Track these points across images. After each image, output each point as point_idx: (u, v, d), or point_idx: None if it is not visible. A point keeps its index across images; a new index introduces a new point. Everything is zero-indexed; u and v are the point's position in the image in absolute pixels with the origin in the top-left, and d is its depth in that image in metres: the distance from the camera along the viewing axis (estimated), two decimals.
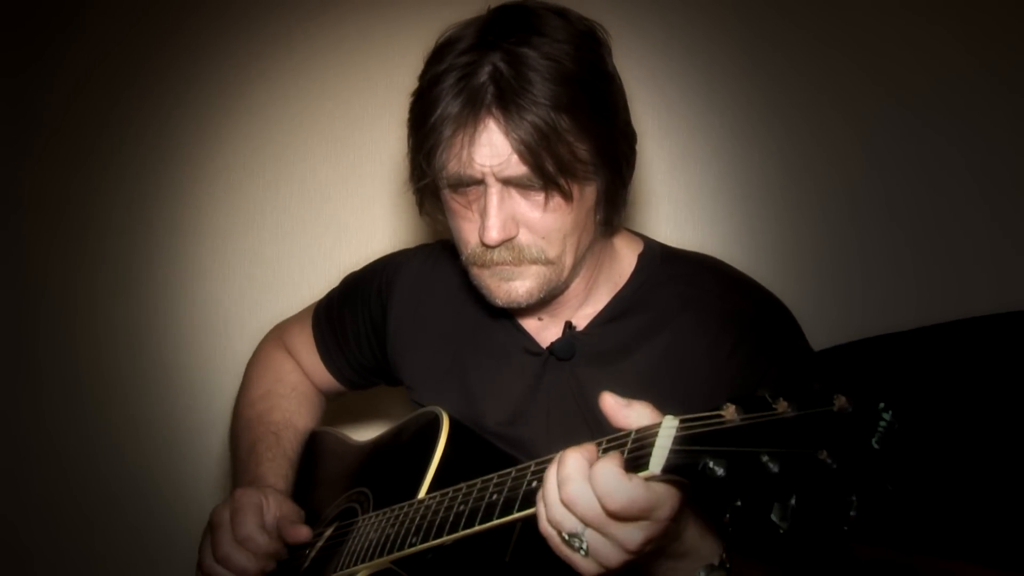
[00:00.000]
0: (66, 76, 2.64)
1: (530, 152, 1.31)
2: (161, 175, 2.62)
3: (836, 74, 2.27)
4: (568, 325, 1.54)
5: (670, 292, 1.51)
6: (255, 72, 2.56)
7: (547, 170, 1.32)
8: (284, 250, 2.56)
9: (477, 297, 1.60)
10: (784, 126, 2.30)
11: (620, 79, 1.45)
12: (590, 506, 1.00)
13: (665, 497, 1.00)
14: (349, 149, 2.50)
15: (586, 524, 1.01)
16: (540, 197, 1.37)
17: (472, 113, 1.33)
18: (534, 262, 1.42)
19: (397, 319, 1.73)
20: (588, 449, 1.04)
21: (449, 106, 1.34)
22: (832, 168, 2.29)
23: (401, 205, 2.42)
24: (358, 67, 2.48)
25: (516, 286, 1.44)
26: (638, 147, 1.49)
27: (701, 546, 1.12)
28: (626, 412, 1.06)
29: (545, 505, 1.04)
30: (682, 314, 1.48)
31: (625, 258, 1.56)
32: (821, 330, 2.02)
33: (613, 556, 1.03)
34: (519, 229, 1.40)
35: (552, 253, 1.41)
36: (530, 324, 1.59)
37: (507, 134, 1.32)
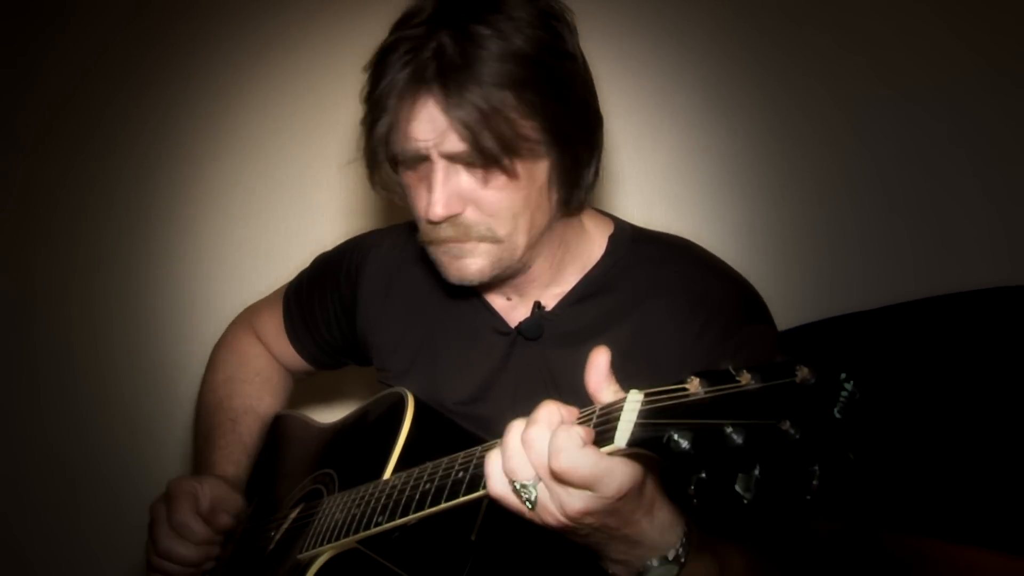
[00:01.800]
0: (23, 56, 2.61)
1: (467, 129, 1.31)
2: (126, 158, 2.59)
3: (807, 52, 2.28)
4: (537, 305, 1.54)
5: (640, 274, 1.51)
6: (220, 54, 2.54)
7: (486, 148, 1.31)
8: (251, 232, 2.54)
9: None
10: (753, 105, 2.31)
11: (584, 59, 1.44)
12: (541, 454, 1.01)
13: (615, 477, 1.01)
14: (317, 130, 2.48)
15: (535, 468, 1.03)
16: (484, 174, 1.37)
17: (413, 87, 1.33)
18: (482, 240, 1.41)
19: (367, 300, 1.73)
20: (569, 409, 1.05)
21: (394, 79, 1.34)
22: (801, 149, 2.30)
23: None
24: (325, 47, 2.46)
25: (467, 263, 1.43)
26: (607, 126, 1.48)
27: (658, 538, 1.11)
28: (607, 383, 1.07)
29: (504, 452, 1.06)
30: (651, 296, 1.48)
31: (595, 239, 1.56)
32: (789, 310, 2.05)
33: (551, 516, 1.04)
34: (466, 207, 1.39)
35: (502, 231, 1.40)
36: (499, 304, 1.59)
37: (445, 111, 1.31)
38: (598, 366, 1.07)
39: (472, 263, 1.43)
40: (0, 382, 2.67)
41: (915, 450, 1.79)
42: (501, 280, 1.51)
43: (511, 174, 1.35)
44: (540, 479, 1.04)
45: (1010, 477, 1.82)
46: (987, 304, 2.04)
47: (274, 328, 1.88)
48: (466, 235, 1.40)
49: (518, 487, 1.04)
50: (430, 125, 1.33)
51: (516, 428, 1.06)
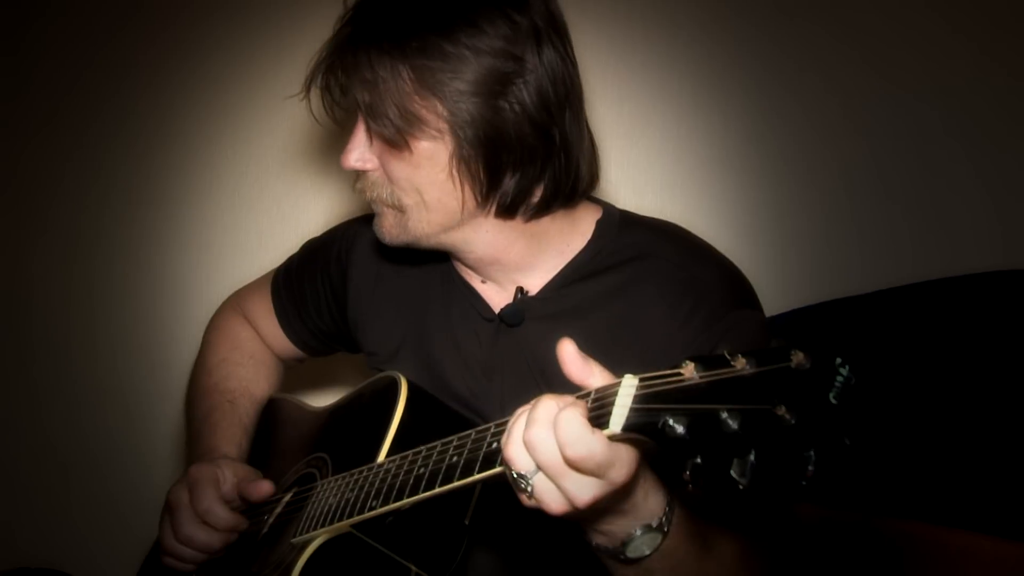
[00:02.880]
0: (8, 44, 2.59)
1: (355, 89, 1.37)
2: (115, 143, 2.59)
3: (799, 39, 2.28)
4: (519, 291, 1.54)
5: (627, 258, 1.51)
6: (211, 38, 2.53)
7: (378, 114, 1.36)
8: (241, 216, 2.53)
9: (437, 262, 1.62)
10: (744, 92, 2.31)
11: (548, 71, 1.38)
12: (550, 452, 1.00)
13: (625, 460, 1.00)
14: (308, 116, 2.46)
15: (543, 468, 1.01)
16: (388, 142, 1.40)
17: (338, 44, 1.40)
18: (387, 205, 1.46)
19: (357, 285, 1.72)
20: (565, 399, 1.04)
21: (336, 33, 1.42)
22: (791, 134, 2.30)
23: None
24: (317, 33, 2.44)
25: (380, 223, 1.50)
26: (598, 112, 1.47)
27: (643, 505, 1.12)
28: (586, 370, 1.06)
29: (506, 440, 1.05)
30: (638, 280, 1.48)
31: (582, 224, 1.55)
32: (779, 295, 2.05)
33: (557, 505, 1.03)
34: (376, 168, 1.45)
35: (406, 201, 1.44)
36: (484, 289, 1.59)
37: (349, 73, 1.37)
38: (568, 356, 1.06)
39: (383, 224, 1.49)
40: None
41: (907, 435, 1.80)
42: (478, 265, 1.53)
43: (400, 147, 1.38)
44: (540, 471, 1.02)
45: (1000, 461, 1.83)
46: (981, 289, 2.05)
47: (264, 313, 1.88)
48: (376, 196, 1.46)
49: (515, 475, 1.04)
50: (349, 84, 1.39)
51: (520, 415, 1.05)
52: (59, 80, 2.60)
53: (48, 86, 2.61)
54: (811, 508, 1.66)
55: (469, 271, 1.58)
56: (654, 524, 1.13)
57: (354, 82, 1.37)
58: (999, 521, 1.72)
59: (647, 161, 2.33)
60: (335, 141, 1.49)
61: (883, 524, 1.71)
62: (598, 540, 1.15)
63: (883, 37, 2.25)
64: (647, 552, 1.14)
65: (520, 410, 1.06)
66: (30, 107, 2.63)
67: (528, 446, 1.01)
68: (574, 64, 1.44)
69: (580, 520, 1.12)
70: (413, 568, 1.42)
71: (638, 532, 1.13)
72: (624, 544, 1.13)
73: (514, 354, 1.53)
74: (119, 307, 2.61)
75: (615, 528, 1.13)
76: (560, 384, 1.08)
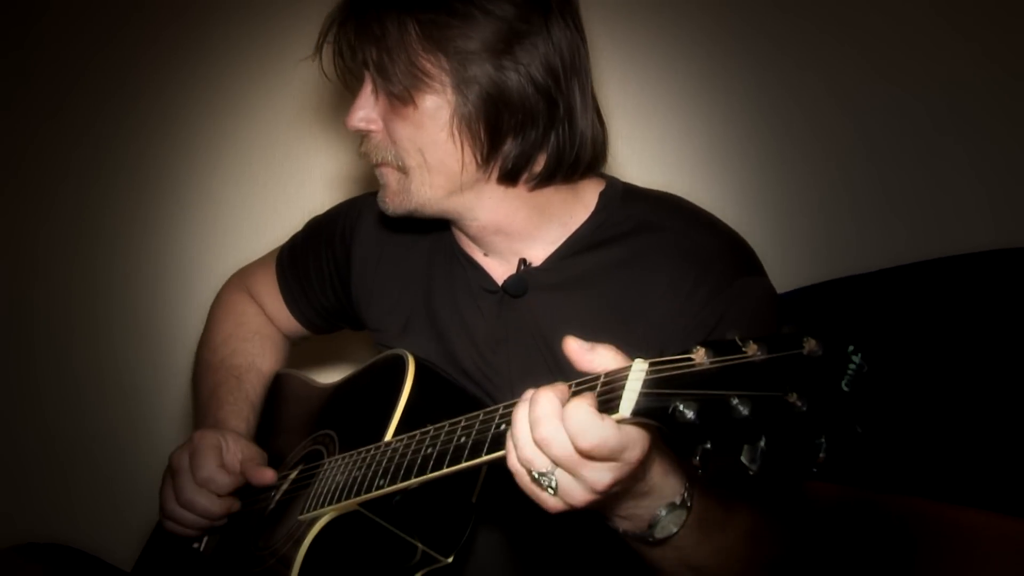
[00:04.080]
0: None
1: (364, 46, 1.40)
2: (120, 121, 2.58)
3: (809, 14, 2.26)
4: (522, 262, 1.54)
5: (630, 229, 1.51)
6: (219, 13, 2.51)
7: (383, 68, 1.38)
8: (247, 194, 2.53)
9: (440, 238, 1.62)
10: (753, 68, 2.29)
11: (555, 39, 1.40)
12: (563, 446, 0.99)
13: (636, 439, 1.00)
14: (314, 91, 2.46)
15: (558, 464, 1.01)
16: (394, 100, 1.41)
17: (347, 1, 1.43)
18: (387, 165, 1.47)
19: (361, 262, 1.72)
20: (560, 389, 1.04)
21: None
22: (800, 110, 2.29)
23: None
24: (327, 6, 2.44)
25: (384, 191, 1.51)
26: (605, 89, 1.46)
27: (664, 485, 1.12)
28: (590, 356, 1.05)
29: (516, 445, 1.04)
30: (642, 251, 1.48)
31: (585, 195, 1.55)
32: (787, 272, 2.04)
33: (580, 496, 1.03)
34: (380, 129, 1.46)
35: (409, 161, 1.44)
36: (487, 262, 1.59)
37: (358, 30, 1.40)
38: (574, 351, 1.06)
39: (386, 192, 1.50)
40: (1, 348, 2.67)
41: (915, 414, 1.79)
42: (480, 234, 1.53)
43: (405, 102, 1.39)
44: (557, 467, 1.02)
45: (1009, 439, 1.83)
46: (985, 267, 2.04)
47: (269, 290, 1.88)
48: (381, 159, 1.47)
49: (536, 476, 1.03)
50: (358, 41, 1.41)
51: (521, 419, 1.03)
52: (67, 57, 2.58)
53: (57, 61, 2.59)
54: (819, 484, 1.67)
55: (472, 244, 1.58)
56: (677, 501, 1.13)
57: (362, 39, 1.39)
58: (1008, 499, 1.73)
59: (655, 138, 2.32)
60: (340, 118, 1.49)
61: (891, 501, 1.71)
62: (624, 526, 1.16)
63: (895, 11, 2.23)
64: (674, 530, 1.14)
65: (518, 410, 1.04)
66: (42, 89, 2.61)
67: (541, 444, 1.01)
68: (583, 37, 1.46)
69: (603, 509, 1.12)
70: (420, 546, 1.42)
71: (663, 512, 1.13)
72: (651, 526, 1.14)
73: (519, 326, 1.53)
74: (123, 286, 2.61)
75: (640, 511, 1.13)
76: (565, 354, 1.08)
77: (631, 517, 1.14)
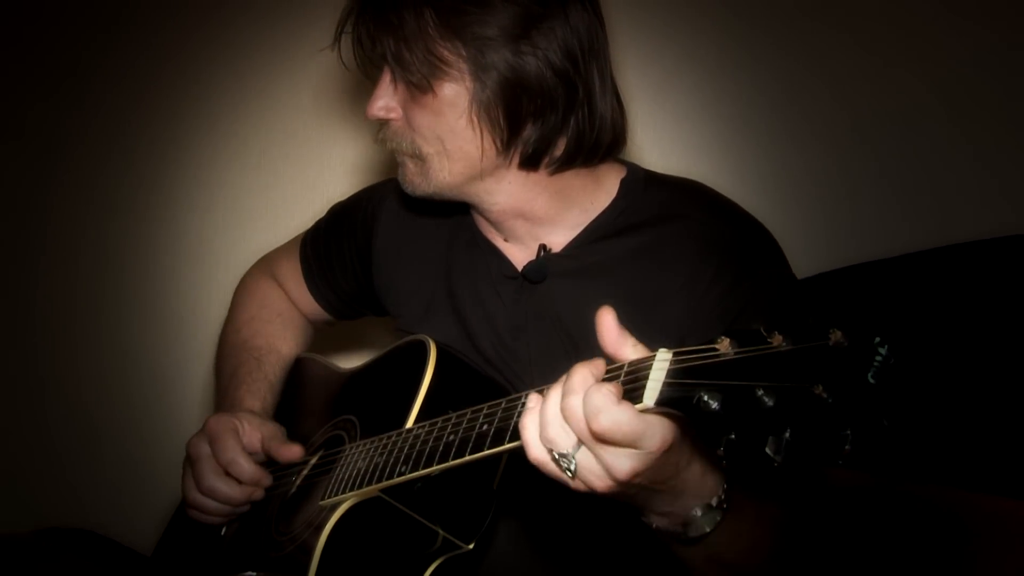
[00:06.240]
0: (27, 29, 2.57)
1: (382, 36, 1.39)
2: (143, 105, 2.58)
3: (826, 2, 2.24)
4: (542, 248, 1.54)
5: (651, 217, 1.50)
6: (239, 3, 2.51)
7: (402, 57, 1.38)
8: (268, 180, 2.54)
9: (460, 222, 1.62)
10: (772, 52, 2.28)
11: (574, 23, 1.40)
12: (579, 421, 1.00)
13: (656, 428, 0.99)
14: (333, 80, 2.46)
15: (578, 436, 1.01)
16: (413, 89, 1.41)
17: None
18: (405, 153, 1.47)
19: (383, 248, 1.73)
20: (597, 364, 1.04)
21: None
22: (821, 95, 2.27)
23: None
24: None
25: (404, 174, 1.51)
26: (624, 74, 1.46)
27: (700, 485, 1.11)
28: (621, 340, 1.05)
29: (542, 420, 1.04)
30: (664, 239, 1.48)
31: (607, 183, 1.55)
32: (809, 257, 2.03)
33: (599, 481, 1.03)
34: (400, 117, 1.46)
35: (426, 149, 1.45)
36: (507, 248, 1.59)
37: (376, 19, 1.40)
38: (607, 325, 1.06)
39: (406, 175, 1.50)
40: (26, 333, 2.69)
41: (946, 403, 1.78)
42: (501, 219, 1.54)
43: (424, 90, 1.39)
44: (580, 446, 1.02)
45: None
46: (1005, 253, 2.02)
47: (293, 275, 1.88)
48: (399, 147, 1.48)
49: (556, 456, 1.03)
50: (376, 31, 1.41)
51: (553, 397, 1.04)
52: (72, 42, 2.59)
53: (73, 46, 2.59)
54: (841, 471, 1.66)
55: (492, 230, 1.58)
56: (714, 503, 1.12)
57: (380, 29, 1.39)
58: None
59: (674, 122, 2.31)
60: (360, 107, 1.49)
61: (913, 488, 1.70)
62: (659, 523, 1.15)
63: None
64: (708, 530, 1.13)
65: (552, 388, 1.05)
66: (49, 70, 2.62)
67: (566, 414, 1.01)
68: (601, 20, 1.45)
69: (635, 502, 1.12)
70: (441, 532, 1.43)
71: (699, 512, 1.12)
72: (685, 525, 1.13)
73: (538, 312, 1.53)
74: (147, 271, 2.62)
75: (676, 509, 1.12)
76: (584, 341, 1.09)
77: (667, 514, 1.13)
